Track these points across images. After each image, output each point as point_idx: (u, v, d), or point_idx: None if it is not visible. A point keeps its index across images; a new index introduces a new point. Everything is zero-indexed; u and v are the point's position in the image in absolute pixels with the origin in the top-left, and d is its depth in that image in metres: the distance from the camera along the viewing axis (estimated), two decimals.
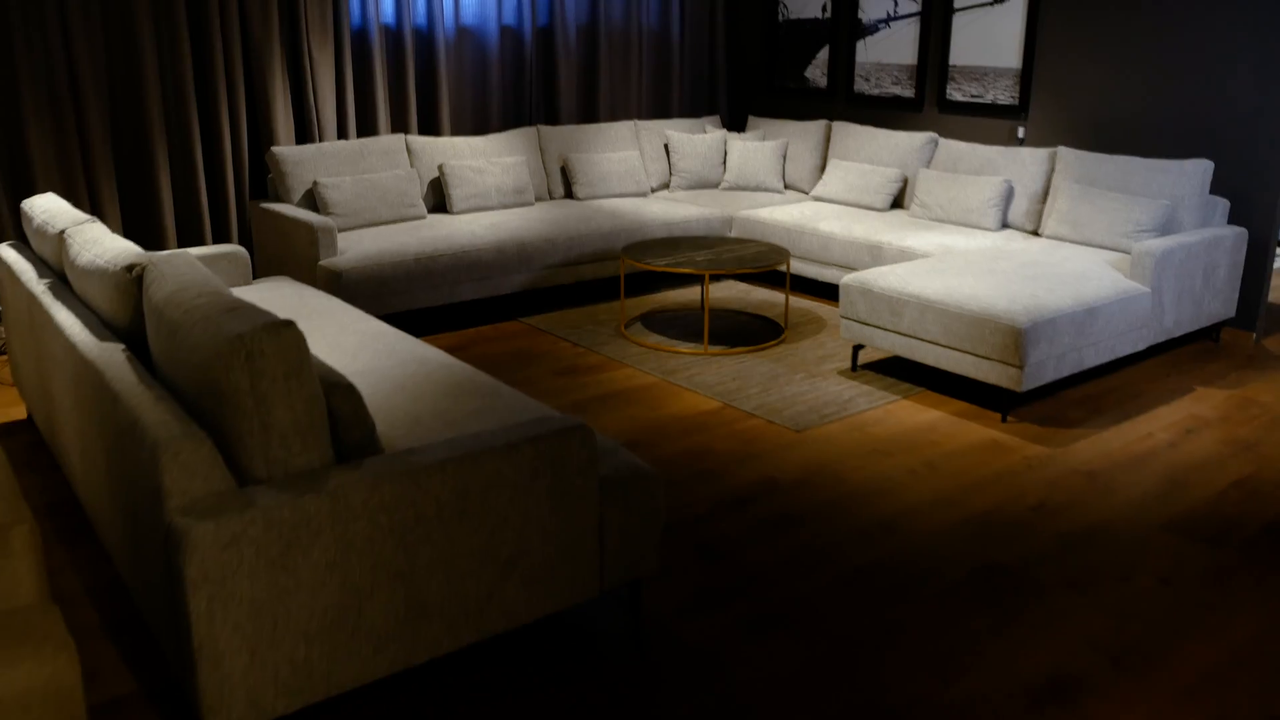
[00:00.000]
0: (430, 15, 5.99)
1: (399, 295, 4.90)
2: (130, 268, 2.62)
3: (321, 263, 4.73)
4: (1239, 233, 5.02)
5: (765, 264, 4.86)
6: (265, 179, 5.59)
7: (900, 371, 4.72)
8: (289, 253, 4.97)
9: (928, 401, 4.37)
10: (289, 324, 2.02)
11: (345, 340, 3.40)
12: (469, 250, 5.10)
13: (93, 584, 2.88)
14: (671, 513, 3.34)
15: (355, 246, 4.88)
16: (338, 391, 2.19)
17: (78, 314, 2.89)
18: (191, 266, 2.47)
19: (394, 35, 5.91)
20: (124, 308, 2.63)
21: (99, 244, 2.87)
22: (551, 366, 4.70)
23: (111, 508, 2.50)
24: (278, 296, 3.92)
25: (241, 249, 4.16)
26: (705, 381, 4.51)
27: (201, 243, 5.38)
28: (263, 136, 5.51)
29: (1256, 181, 5.06)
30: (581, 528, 2.44)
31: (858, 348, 4.71)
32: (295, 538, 2.01)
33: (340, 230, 5.19)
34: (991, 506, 3.43)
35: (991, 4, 5.88)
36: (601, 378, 4.57)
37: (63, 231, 3.14)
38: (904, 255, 5.29)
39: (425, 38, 6.05)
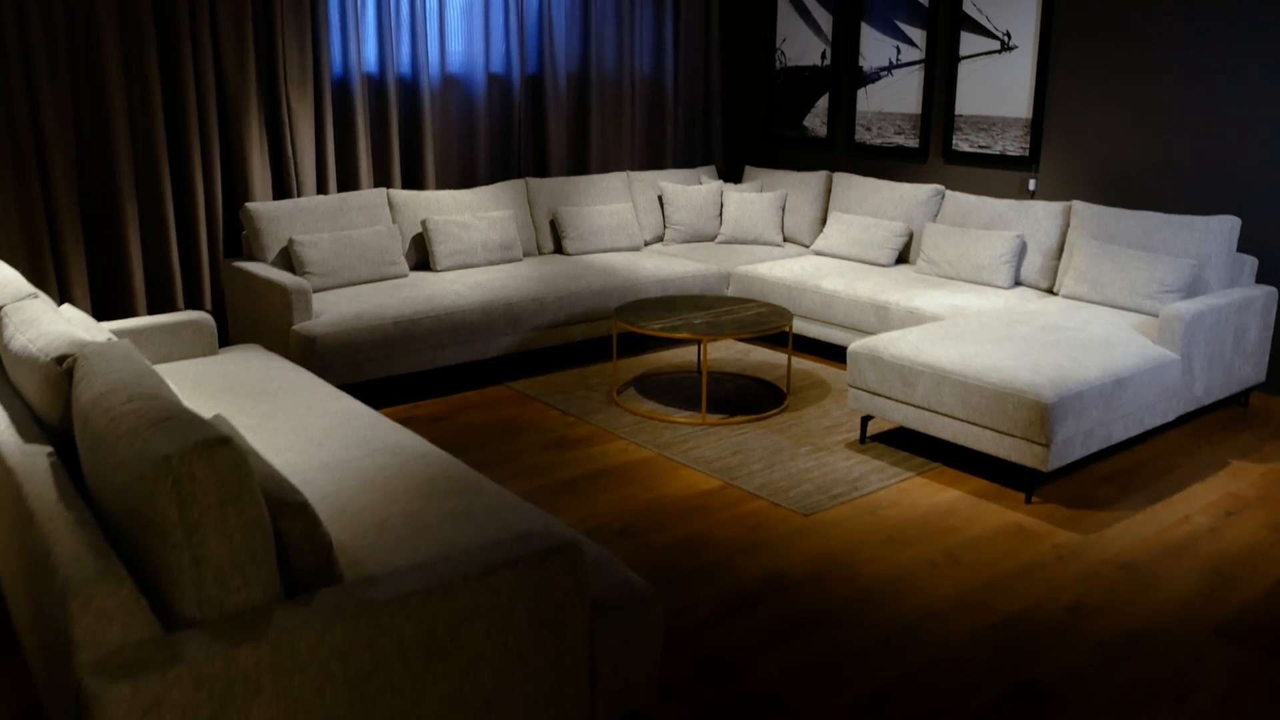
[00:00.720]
0: (415, 64, 5.74)
1: (376, 361, 4.60)
2: (62, 359, 2.31)
3: (295, 327, 4.43)
4: (1269, 292, 4.75)
5: (766, 327, 4.57)
6: (240, 236, 5.30)
7: (913, 443, 4.42)
8: (262, 315, 4.67)
9: (944, 479, 4.07)
10: (224, 442, 1.71)
11: (312, 424, 3.09)
12: (452, 312, 4.80)
13: (16, 711, 2.55)
14: (670, 617, 3.02)
15: (331, 309, 4.58)
16: (287, 512, 1.88)
17: (7, 406, 2.58)
18: (128, 360, 2.16)
19: (377, 85, 5.66)
20: (55, 404, 2.32)
21: (35, 326, 2.57)
22: (539, 439, 4.39)
23: (32, 633, 2.18)
24: (241, 370, 3.61)
25: (206, 316, 3.85)
26: (704, 456, 4.21)
27: (172, 304, 5.08)
28: (238, 191, 5.22)
29: None
30: (569, 661, 2.12)
31: (866, 418, 4.41)
32: (229, 696, 1.70)
33: (317, 290, 4.89)
34: (1023, 607, 3.11)
35: (999, 51, 5.66)
36: (592, 451, 4.26)
37: (0, 308, 2.83)
38: (912, 316, 5.01)
39: (409, 87, 5.79)
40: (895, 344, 4.21)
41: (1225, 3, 4.81)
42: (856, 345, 4.29)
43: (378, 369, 4.61)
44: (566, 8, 6.29)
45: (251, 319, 4.79)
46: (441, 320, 4.76)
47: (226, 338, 5.30)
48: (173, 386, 3.36)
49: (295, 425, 3.07)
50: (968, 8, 5.75)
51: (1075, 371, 3.87)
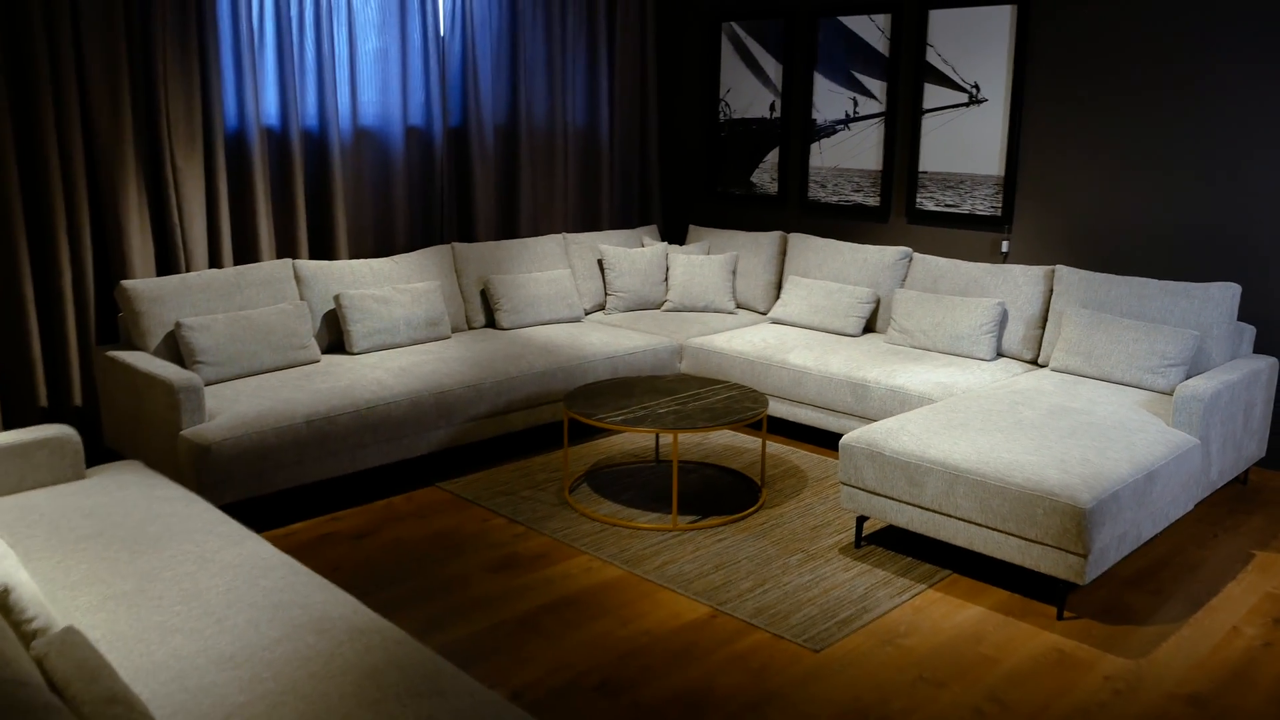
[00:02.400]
0: (323, 115, 5.06)
1: (286, 468, 3.87)
2: None
3: (184, 432, 3.69)
4: (1272, 364, 4.39)
5: (743, 416, 4.00)
6: (116, 320, 4.52)
7: (915, 544, 3.88)
8: (144, 416, 3.91)
9: (959, 591, 3.53)
10: None
11: (209, 587, 2.38)
12: (375, 405, 4.11)
13: None
14: None
15: (230, 407, 3.84)
16: None
17: None
18: None
19: (278, 139, 4.96)
20: None
21: None
22: (486, 558, 3.72)
23: None
24: (114, 504, 2.87)
25: (69, 431, 3.10)
26: (683, 574, 3.59)
27: (33, 404, 4.27)
28: (113, 267, 4.46)
29: None
30: None
31: (862, 519, 3.86)
32: None
33: (211, 383, 4.14)
34: None
35: (967, 105, 5.25)
36: (550, 573, 3.60)
37: None
38: (894, 396, 4.50)
39: (317, 141, 5.11)
40: (896, 436, 3.68)
41: (1209, 56, 4.47)
42: (852, 438, 3.75)
43: (288, 477, 3.88)
44: (493, 54, 5.70)
45: (131, 420, 4.02)
46: (363, 416, 4.06)
47: (100, 442, 4.50)
48: (15, 544, 2.61)
49: (186, 590, 2.36)
50: (931, 58, 5.34)
51: (1105, 467, 3.39)
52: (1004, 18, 5.05)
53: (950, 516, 3.51)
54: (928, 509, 3.57)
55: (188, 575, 2.42)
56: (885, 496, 3.68)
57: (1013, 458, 3.44)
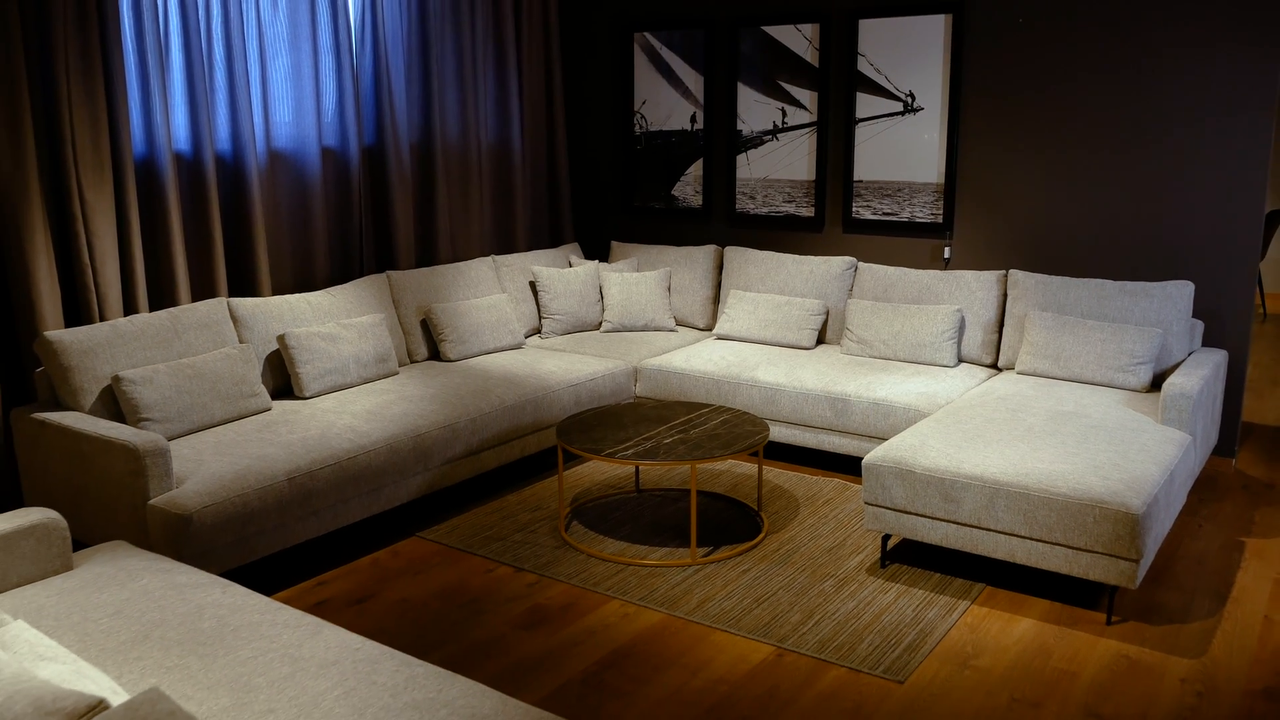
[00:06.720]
0: (236, 138, 4.58)
1: (267, 534, 3.43)
2: None
3: (154, 502, 3.20)
4: (1225, 356, 4.59)
5: (751, 442, 3.85)
6: (32, 377, 3.92)
7: (936, 559, 3.81)
8: (91, 487, 3.38)
9: (1002, 604, 3.48)
10: None
11: (321, 693, 2.01)
12: (356, 455, 3.71)
13: None
14: None
15: (197, 469, 3.37)
16: None
17: None
18: None
19: (191, 165, 4.44)
20: None
21: None
22: (509, 613, 3.40)
23: None
24: (135, 597, 2.42)
25: (53, 515, 2.60)
26: (726, 611, 3.39)
27: None
28: (19, 316, 3.86)
29: (1228, 300, 4.65)
30: None
31: (886, 537, 3.76)
32: None
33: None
34: None
35: (902, 114, 5.28)
36: (588, 624, 3.33)
37: None
38: (878, 409, 4.44)
39: (231, 167, 4.61)
40: (923, 453, 3.60)
41: (1144, 64, 4.64)
42: (878, 456, 3.65)
43: (269, 543, 3.44)
44: (405, 67, 5.33)
45: (71, 490, 3.47)
46: (344, 468, 3.66)
47: None
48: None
49: (298, 700, 1.98)
50: (864, 68, 5.34)
51: (1136, 470, 3.42)
52: (938, 27, 5.11)
53: (990, 530, 3.46)
54: (965, 524, 3.50)
55: (287, 680, 2.04)
56: (917, 514, 3.59)
57: (1048, 467, 3.43)
